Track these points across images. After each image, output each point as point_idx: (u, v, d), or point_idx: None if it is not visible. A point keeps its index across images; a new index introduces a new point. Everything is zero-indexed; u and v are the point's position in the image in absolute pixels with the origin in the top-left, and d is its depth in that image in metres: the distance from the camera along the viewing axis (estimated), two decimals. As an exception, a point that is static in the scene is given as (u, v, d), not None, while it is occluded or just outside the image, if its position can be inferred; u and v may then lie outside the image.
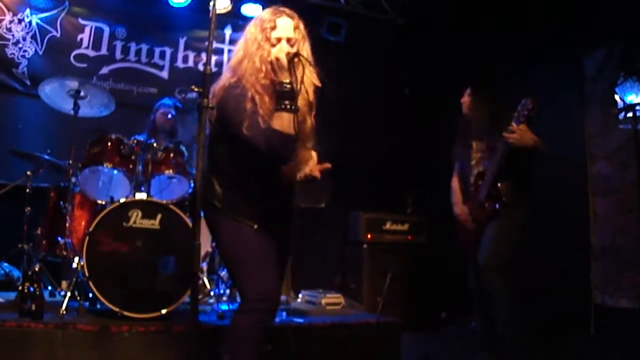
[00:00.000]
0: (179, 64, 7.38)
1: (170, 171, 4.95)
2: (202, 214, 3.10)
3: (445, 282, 6.47)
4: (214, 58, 7.16)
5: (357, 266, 6.61)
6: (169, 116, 5.56)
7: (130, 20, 7.18)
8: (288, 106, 2.86)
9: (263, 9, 6.91)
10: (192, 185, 4.98)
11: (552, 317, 5.81)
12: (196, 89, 2.90)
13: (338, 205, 7.33)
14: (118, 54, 7.15)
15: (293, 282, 6.27)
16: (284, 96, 2.87)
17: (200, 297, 5.10)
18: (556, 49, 6.32)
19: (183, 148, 5.13)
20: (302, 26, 3.16)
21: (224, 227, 3.14)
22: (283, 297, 5.66)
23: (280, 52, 2.95)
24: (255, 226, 3.04)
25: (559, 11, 6.14)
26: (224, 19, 7.54)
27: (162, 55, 7.31)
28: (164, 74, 7.28)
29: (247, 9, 7.48)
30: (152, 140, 5.00)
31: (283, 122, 2.84)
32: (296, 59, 2.92)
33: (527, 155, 4.43)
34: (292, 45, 3.04)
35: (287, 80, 2.88)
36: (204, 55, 7.31)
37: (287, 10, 3.14)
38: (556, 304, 5.92)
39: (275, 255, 3.11)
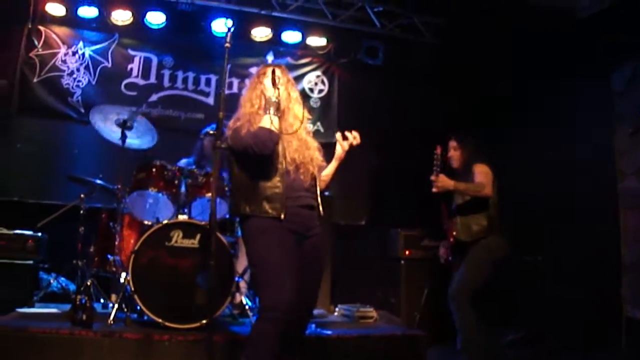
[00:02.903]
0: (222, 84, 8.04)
1: (211, 194, 5.52)
2: (239, 232, 3.85)
3: (480, 297, 6.83)
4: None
5: (396, 281, 6.96)
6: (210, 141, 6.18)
7: (177, 50, 7.97)
8: (271, 112, 3.78)
9: (303, 36, 7.63)
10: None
11: (584, 331, 6.12)
12: (211, 132, 3.64)
13: (377, 222, 7.84)
14: (166, 82, 7.94)
15: (332, 296, 6.83)
16: (269, 104, 3.80)
17: (238, 311, 5.73)
18: (586, 64, 6.59)
19: (224, 172, 5.66)
20: (289, 75, 4.09)
21: (249, 239, 3.81)
22: (321, 311, 6.25)
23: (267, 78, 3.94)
24: (282, 215, 3.69)
25: (588, 26, 6.43)
26: (265, 46, 8.21)
27: (208, 83, 8.05)
28: (210, 100, 8.01)
29: (287, 36, 8.17)
30: (193, 167, 5.69)
31: (267, 122, 3.75)
32: (274, 74, 3.85)
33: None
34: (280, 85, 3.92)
35: (274, 94, 3.81)
36: (247, 82, 7.87)
37: (280, 65, 4.17)
38: (587, 317, 6.17)
39: (297, 268, 3.65)
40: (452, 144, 5.60)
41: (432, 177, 5.15)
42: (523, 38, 7.21)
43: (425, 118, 8.20)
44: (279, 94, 3.83)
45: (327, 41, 8.46)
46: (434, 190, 5.16)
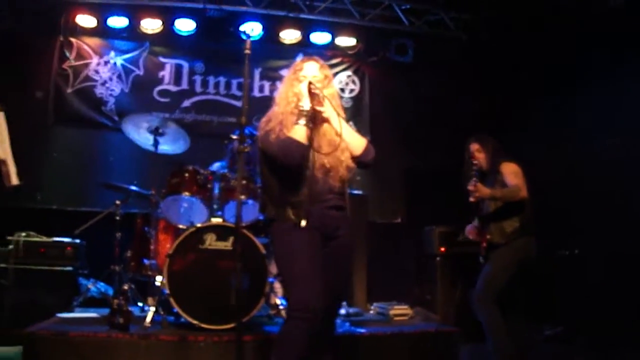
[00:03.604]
0: (256, 93, 8.24)
1: (243, 197, 5.60)
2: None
3: (518, 293, 6.80)
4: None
5: (431, 278, 6.98)
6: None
7: (207, 56, 8.16)
8: (303, 123, 3.71)
9: (332, 37, 7.72)
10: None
11: (622, 326, 6.08)
12: (234, 137, 3.69)
13: (413, 220, 7.90)
14: (198, 88, 8.13)
15: (368, 294, 6.89)
16: (301, 115, 3.73)
17: (274, 311, 5.82)
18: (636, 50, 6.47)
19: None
20: (326, 69, 4.01)
21: (275, 241, 3.90)
22: (357, 309, 6.33)
23: (305, 80, 3.83)
24: (303, 223, 3.71)
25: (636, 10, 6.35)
26: (295, 48, 8.31)
27: (240, 87, 8.18)
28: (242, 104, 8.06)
29: (316, 37, 8.29)
30: (225, 170, 5.81)
31: (298, 133, 3.69)
32: (311, 87, 3.76)
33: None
34: (316, 82, 3.84)
35: (306, 105, 3.74)
36: (278, 84, 7.93)
37: (315, 57, 4.06)
38: (626, 312, 6.13)
39: (324, 268, 3.70)
40: (475, 146, 5.51)
41: (470, 187, 5.13)
42: (554, 32, 7.19)
43: (458, 113, 8.21)
44: (312, 105, 3.76)
45: (357, 41, 8.53)
46: (471, 199, 5.16)
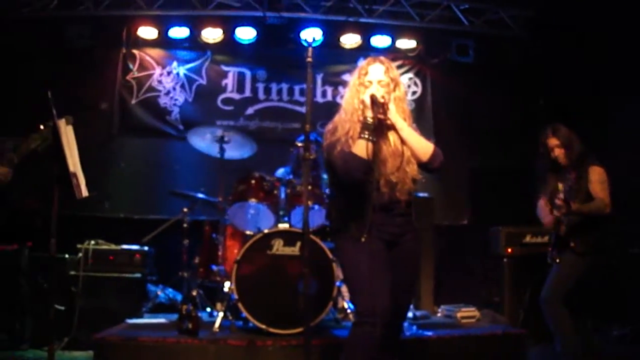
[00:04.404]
0: (319, 98, 8.30)
1: (309, 202, 5.63)
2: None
3: (586, 292, 6.71)
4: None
5: (499, 280, 6.89)
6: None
7: (269, 63, 8.28)
8: (367, 136, 3.60)
9: (392, 39, 7.74)
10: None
11: None
12: (299, 144, 3.80)
13: (479, 221, 7.84)
14: (261, 95, 8.25)
15: (436, 297, 6.88)
16: (365, 127, 3.62)
17: (342, 315, 5.86)
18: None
19: (323, 179, 5.84)
20: (393, 70, 3.86)
21: (340, 249, 3.93)
22: (424, 312, 6.35)
23: (368, 90, 3.72)
24: (363, 238, 3.66)
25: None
26: (356, 53, 8.30)
27: (302, 92, 8.28)
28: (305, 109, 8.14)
29: (376, 41, 8.33)
30: (291, 176, 5.89)
31: (361, 148, 3.58)
32: (374, 98, 3.65)
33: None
34: (382, 86, 3.77)
35: (369, 116, 3.63)
36: (341, 89, 8.16)
37: (381, 58, 3.91)
38: None
39: (389, 274, 3.69)
40: (553, 142, 5.30)
41: (557, 202, 5.04)
42: (618, 28, 7.04)
43: (522, 113, 8.17)
44: (376, 116, 3.64)
45: (417, 43, 8.52)
46: (555, 213, 5.10)
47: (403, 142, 3.76)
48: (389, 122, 3.73)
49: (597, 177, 5.09)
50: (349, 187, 3.75)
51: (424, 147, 3.77)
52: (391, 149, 3.77)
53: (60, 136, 3.95)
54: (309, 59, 3.87)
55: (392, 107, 3.72)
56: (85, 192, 4.05)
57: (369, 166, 3.60)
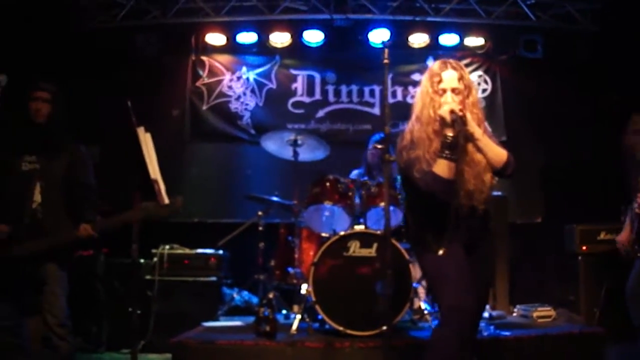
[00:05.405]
0: (389, 99, 8.17)
1: (385, 204, 5.69)
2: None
3: None
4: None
5: (574, 278, 6.83)
6: (375, 152, 6.43)
7: (338, 65, 8.33)
8: (448, 155, 3.54)
9: (460, 37, 7.70)
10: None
11: None
12: (379, 146, 3.75)
13: (553, 219, 7.73)
14: (331, 97, 8.31)
15: (511, 296, 6.80)
16: (445, 146, 3.56)
17: (418, 316, 5.84)
18: None
19: (397, 180, 5.76)
20: (466, 75, 3.81)
21: (419, 255, 3.97)
22: (500, 312, 6.29)
23: (446, 106, 3.64)
24: (441, 252, 3.69)
25: None
26: (424, 52, 8.32)
27: (372, 93, 8.32)
28: (376, 111, 8.29)
29: (444, 39, 8.29)
30: (365, 178, 5.92)
31: (443, 168, 3.54)
32: (453, 116, 3.57)
33: None
34: (457, 94, 3.73)
35: (450, 134, 3.56)
36: (411, 89, 8.11)
37: (453, 63, 3.83)
38: None
39: (467, 276, 3.67)
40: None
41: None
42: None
43: (594, 109, 8.03)
44: (456, 132, 3.57)
45: (485, 40, 8.46)
46: (636, 211, 4.98)
47: (479, 149, 3.72)
48: (468, 132, 3.66)
49: None
50: (427, 202, 3.72)
51: (498, 154, 3.73)
52: (468, 158, 3.74)
53: (141, 144, 4.03)
54: (386, 61, 3.86)
55: (467, 115, 3.66)
56: (166, 199, 4.11)
57: (452, 185, 3.60)
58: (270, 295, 5.80)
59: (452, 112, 3.57)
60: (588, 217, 6.95)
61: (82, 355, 6.01)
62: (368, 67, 8.17)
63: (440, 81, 3.74)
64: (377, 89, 8.30)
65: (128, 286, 6.46)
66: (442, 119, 3.60)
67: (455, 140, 3.58)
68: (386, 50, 3.89)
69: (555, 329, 5.71)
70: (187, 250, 6.67)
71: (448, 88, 3.73)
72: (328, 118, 8.24)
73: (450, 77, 3.74)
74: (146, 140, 4.06)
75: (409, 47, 8.28)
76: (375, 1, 7.96)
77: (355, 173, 6.54)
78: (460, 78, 3.75)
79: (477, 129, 3.69)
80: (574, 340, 5.35)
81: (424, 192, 3.64)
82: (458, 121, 3.55)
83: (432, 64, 3.95)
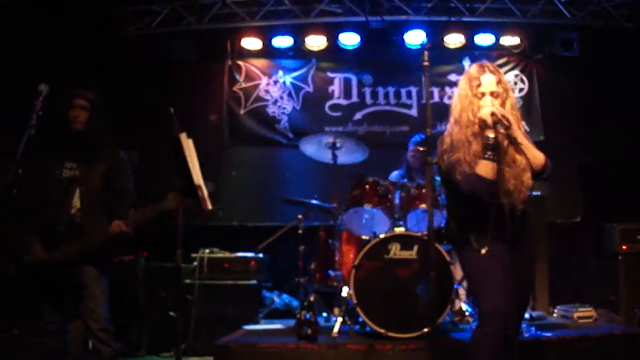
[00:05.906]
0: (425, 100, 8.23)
1: (424, 205, 5.65)
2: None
3: None
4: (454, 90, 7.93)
5: (614, 278, 6.75)
6: (416, 154, 6.42)
7: (374, 68, 8.34)
8: (491, 156, 3.62)
9: (496, 37, 7.67)
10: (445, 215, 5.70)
11: None
12: (420, 148, 3.74)
13: (593, 218, 7.62)
14: (368, 99, 8.33)
15: (551, 297, 6.76)
16: (488, 148, 3.63)
17: (459, 318, 5.83)
18: None
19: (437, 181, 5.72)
20: (504, 79, 3.86)
21: (462, 256, 3.96)
22: (540, 313, 6.28)
23: (486, 108, 3.68)
24: (483, 251, 3.69)
25: None
26: (460, 52, 8.32)
27: (409, 95, 8.34)
28: (413, 112, 8.31)
29: (480, 39, 8.25)
30: (405, 180, 5.93)
31: (486, 169, 3.62)
32: (494, 119, 3.61)
33: None
34: (495, 97, 3.76)
35: (492, 136, 3.63)
36: (447, 89, 8.16)
37: (491, 66, 3.87)
38: None
39: (508, 277, 3.66)
40: None
41: None
42: None
43: (632, 107, 7.93)
44: (497, 134, 3.64)
45: (521, 39, 8.41)
46: None
47: (519, 151, 3.74)
48: (511, 135, 3.69)
49: None
50: (470, 202, 3.75)
51: (537, 157, 3.78)
52: (509, 159, 3.76)
53: (184, 150, 4.08)
54: (426, 63, 3.92)
55: (510, 118, 3.67)
56: (210, 205, 4.15)
57: (495, 186, 3.64)
58: (312, 298, 5.81)
59: (493, 114, 3.61)
60: (628, 216, 6.87)
61: (123, 359, 6.08)
62: (404, 68, 8.19)
63: (479, 85, 3.79)
64: (413, 90, 8.32)
65: (169, 290, 6.52)
66: (482, 121, 3.65)
67: (497, 142, 3.63)
68: (426, 52, 3.93)
69: (596, 330, 5.68)
70: (227, 254, 6.71)
71: (487, 92, 3.77)
72: (365, 120, 8.26)
73: (489, 81, 3.78)
74: (189, 146, 4.10)
75: (444, 48, 8.26)
76: (410, 2, 7.97)
77: (394, 175, 6.55)
78: (499, 82, 3.80)
79: (518, 132, 3.73)
80: (615, 341, 5.30)
81: (467, 193, 3.68)
82: (499, 123, 3.59)
83: (470, 68, 3.97)
